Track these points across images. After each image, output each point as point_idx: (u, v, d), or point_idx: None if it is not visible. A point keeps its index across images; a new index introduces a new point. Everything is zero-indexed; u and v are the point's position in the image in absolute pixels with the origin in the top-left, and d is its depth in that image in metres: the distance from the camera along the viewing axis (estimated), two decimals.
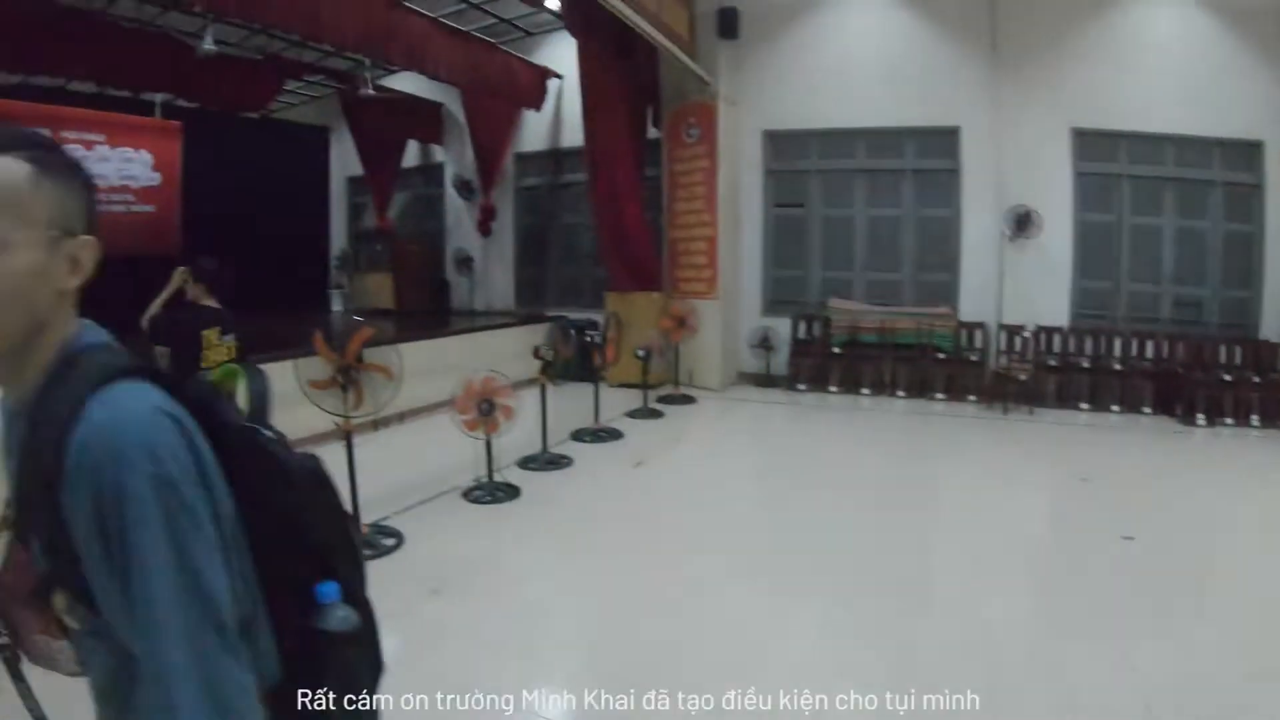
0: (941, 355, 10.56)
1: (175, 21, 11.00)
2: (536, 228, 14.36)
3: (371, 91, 12.59)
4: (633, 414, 9.56)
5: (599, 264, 12.82)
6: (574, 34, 10.64)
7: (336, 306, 15.50)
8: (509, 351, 9.99)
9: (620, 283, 11.60)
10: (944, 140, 10.85)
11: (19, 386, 1.15)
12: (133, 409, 1.06)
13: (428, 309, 14.58)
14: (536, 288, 14.38)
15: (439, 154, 15.35)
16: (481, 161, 14.00)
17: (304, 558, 1.16)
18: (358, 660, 1.23)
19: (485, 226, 14.29)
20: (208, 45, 10.31)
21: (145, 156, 13.20)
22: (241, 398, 1.27)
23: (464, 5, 11.56)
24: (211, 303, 5.46)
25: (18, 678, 1.21)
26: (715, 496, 6.84)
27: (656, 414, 9.73)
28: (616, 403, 9.75)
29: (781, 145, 11.62)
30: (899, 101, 10.81)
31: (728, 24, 11.17)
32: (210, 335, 5.34)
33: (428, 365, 8.10)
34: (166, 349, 5.20)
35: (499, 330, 11.90)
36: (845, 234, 11.41)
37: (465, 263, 14.63)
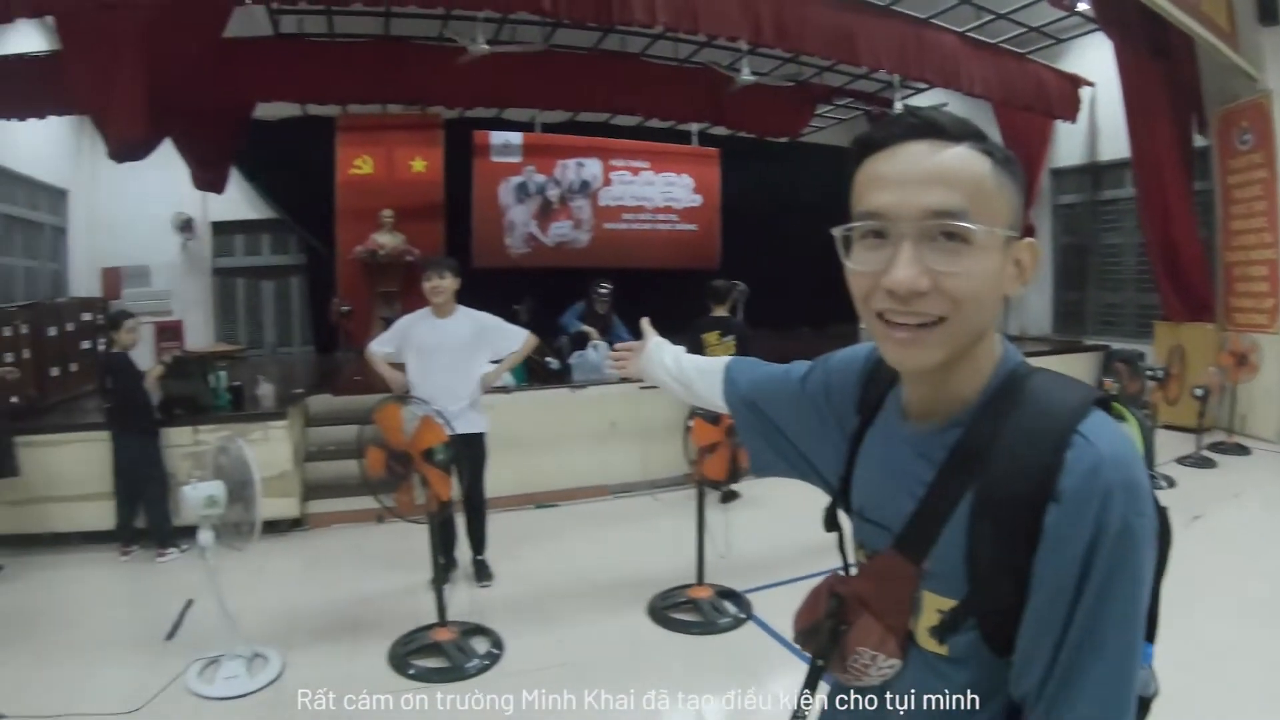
0: None
1: (711, 56, 11.67)
2: (1075, 248, 13.35)
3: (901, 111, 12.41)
4: (1183, 460, 8.59)
5: (1144, 289, 11.80)
6: (1108, 33, 9.86)
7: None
8: None
9: (1172, 311, 10.54)
10: None
11: (944, 399, 1.14)
12: (1131, 449, 1.01)
13: None
14: (1075, 314, 13.40)
15: None
16: None
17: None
18: None
19: None
20: (745, 76, 10.71)
21: (686, 180, 14.37)
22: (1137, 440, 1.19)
23: (992, 17, 11.09)
24: (720, 313, 7.21)
25: (811, 686, 1.23)
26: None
27: (1209, 463, 8.63)
28: (1161, 446, 8.78)
29: None
30: None
31: (1268, 8, 9.60)
32: (709, 336, 6.99)
33: None
34: None
35: (1033, 360, 11.02)
36: None
37: None
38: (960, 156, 1.04)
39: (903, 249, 1.02)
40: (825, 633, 1.18)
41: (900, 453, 1.18)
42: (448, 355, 5.24)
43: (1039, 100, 11.31)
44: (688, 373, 1.80)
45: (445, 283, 5.23)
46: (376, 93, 10.22)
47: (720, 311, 7.22)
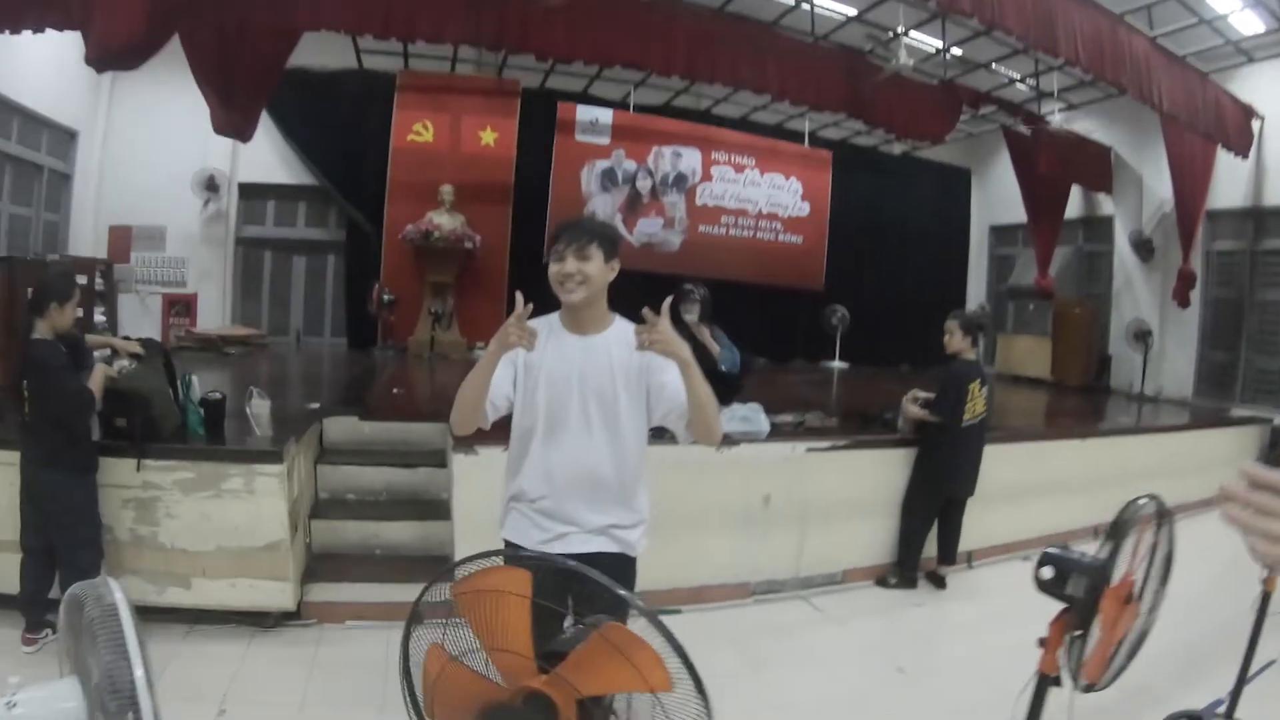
0: None
1: (850, 38, 10.68)
2: (1229, 303, 11.91)
3: (1057, 126, 11.50)
4: None
5: None
6: None
7: None
8: (1187, 458, 8.18)
9: None
10: None
11: None
12: None
13: (1086, 385, 12.77)
14: (1223, 378, 11.92)
15: (1106, 205, 13.38)
16: (1181, 216, 11.70)
17: None
18: None
19: (1183, 296, 11.85)
20: (903, 60, 9.33)
21: (795, 185, 13.42)
22: None
23: (1195, 20, 9.87)
24: (973, 356, 6.03)
25: None
26: None
27: None
28: None
29: None
30: None
31: None
32: (974, 387, 5.94)
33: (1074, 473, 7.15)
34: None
35: (1171, 434, 9.16)
36: None
37: (1141, 337, 12.27)
38: None
39: None
40: None
41: None
42: (596, 403, 2.70)
43: (1217, 127, 10.41)
44: None
45: (590, 267, 2.68)
46: (447, 29, 8.46)
47: (974, 354, 6.01)
